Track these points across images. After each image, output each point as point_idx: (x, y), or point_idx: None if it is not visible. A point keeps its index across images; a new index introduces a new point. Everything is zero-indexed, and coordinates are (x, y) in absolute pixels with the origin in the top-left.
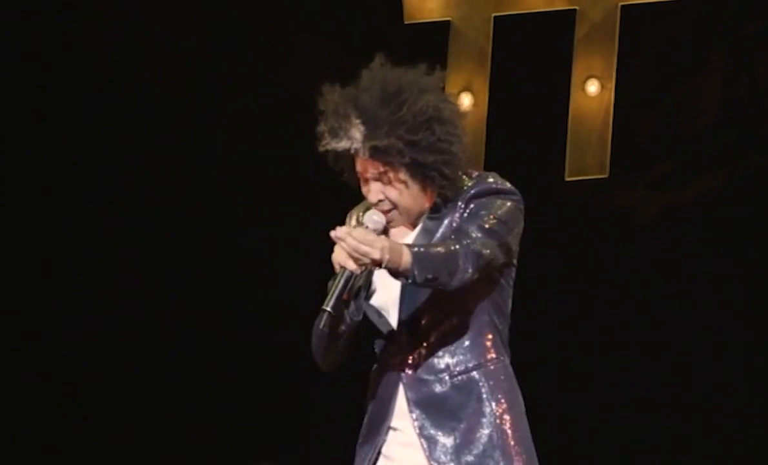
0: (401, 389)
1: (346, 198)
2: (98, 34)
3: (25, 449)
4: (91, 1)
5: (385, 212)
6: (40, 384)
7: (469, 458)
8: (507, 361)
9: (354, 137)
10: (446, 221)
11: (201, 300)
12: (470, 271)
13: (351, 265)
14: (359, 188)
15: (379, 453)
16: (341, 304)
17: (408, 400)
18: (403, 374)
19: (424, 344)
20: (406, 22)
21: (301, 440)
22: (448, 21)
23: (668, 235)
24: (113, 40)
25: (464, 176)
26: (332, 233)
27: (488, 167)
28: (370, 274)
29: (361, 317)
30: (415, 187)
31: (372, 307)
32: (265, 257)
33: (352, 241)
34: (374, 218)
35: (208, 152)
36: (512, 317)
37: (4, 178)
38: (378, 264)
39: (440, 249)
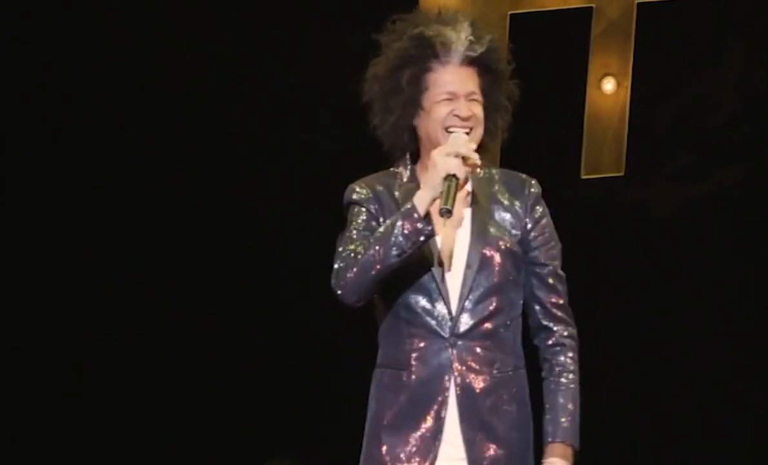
0: (452, 373)
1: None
2: (112, 28)
3: (28, 448)
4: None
5: (467, 133)
6: (43, 383)
7: (501, 456)
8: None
9: (465, 30)
10: (509, 207)
11: (209, 296)
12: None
13: (461, 173)
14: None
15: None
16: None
17: (456, 386)
18: (455, 354)
19: (479, 330)
20: (417, 9)
21: (314, 437)
22: None
23: (686, 230)
24: (127, 32)
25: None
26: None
27: (504, 165)
28: None
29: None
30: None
31: (425, 259)
32: (276, 253)
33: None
34: (463, 138)
35: (221, 144)
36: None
37: (7, 176)
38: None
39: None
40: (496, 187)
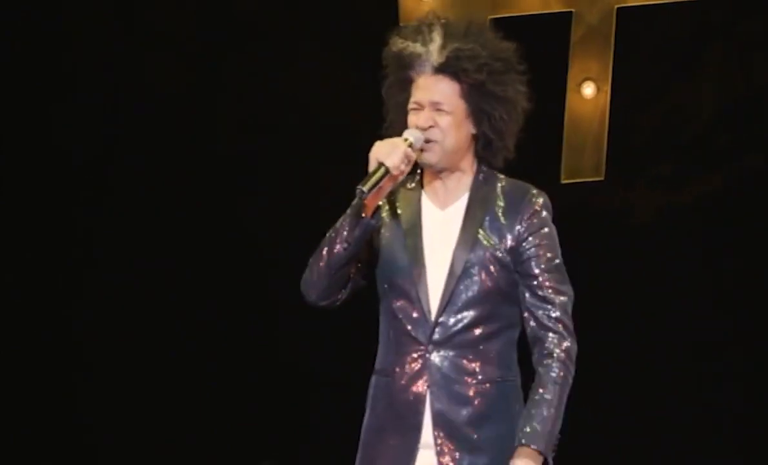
0: (427, 381)
1: (346, 202)
2: (100, 34)
3: (28, 447)
4: (91, 4)
5: (428, 142)
6: (42, 383)
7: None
8: (518, 381)
9: (434, 41)
10: (503, 217)
11: (204, 300)
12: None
13: (389, 162)
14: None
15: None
16: (362, 206)
17: (431, 395)
18: (431, 362)
19: (458, 339)
20: (401, 24)
21: (304, 440)
22: None
23: (665, 236)
24: (114, 40)
25: (497, 173)
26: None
27: None
28: (387, 193)
29: (378, 226)
30: (464, 130)
31: (405, 261)
32: (264, 257)
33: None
34: (416, 134)
35: (207, 151)
36: None
37: (5, 176)
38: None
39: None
40: (495, 196)
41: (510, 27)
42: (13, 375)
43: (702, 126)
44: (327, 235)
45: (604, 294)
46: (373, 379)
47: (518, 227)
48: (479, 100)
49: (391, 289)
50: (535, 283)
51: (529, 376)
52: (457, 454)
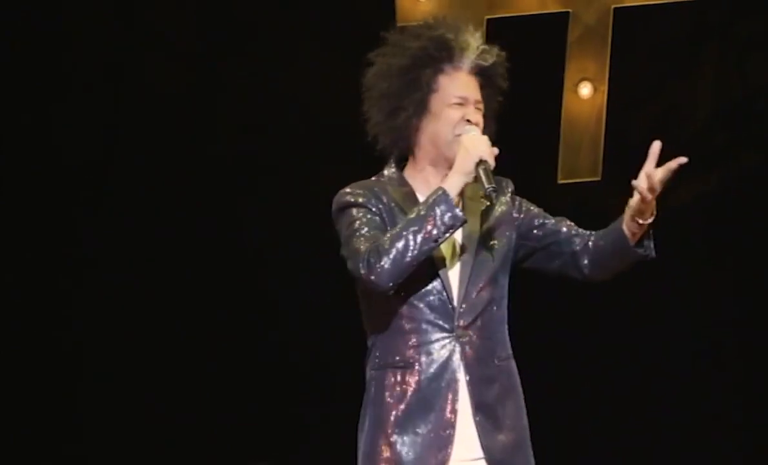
0: (460, 366)
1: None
2: (99, 35)
3: (22, 448)
4: (92, 3)
5: None
6: (40, 382)
7: (509, 446)
8: None
9: (479, 40)
10: (504, 208)
11: (201, 301)
12: None
13: (491, 159)
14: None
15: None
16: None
17: (467, 379)
18: (458, 348)
19: (479, 321)
20: (399, 25)
21: (298, 441)
22: None
23: (661, 236)
24: (114, 40)
25: None
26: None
27: None
28: None
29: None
30: None
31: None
32: (263, 258)
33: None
34: (474, 129)
35: (207, 151)
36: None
37: (4, 176)
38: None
39: None
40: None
41: (507, 27)
42: (12, 375)
43: (699, 126)
44: (405, 225)
45: (600, 294)
46: (381, 373)
47: (513, 210)
48: (491, 107)
49: (421, 278)
50: (549, 223)
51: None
52: (494, 433)
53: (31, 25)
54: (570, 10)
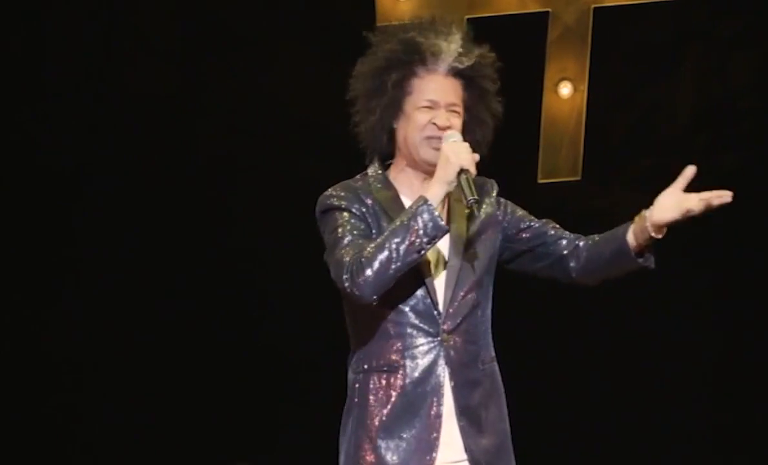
0: (445, 371)
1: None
2: (80, 36)
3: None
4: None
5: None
6: (23, 384)
7: (491, 449)
8: None
9: (457, 42)
10: (489, 210)
11: (178, 302)
12: None
13: (473, 167)
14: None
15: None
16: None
17: (451, 383)
18: (443, 352)
19: (463, 325)
20: (378, 25)
21: (277, 441)
22: None
23: None
24: (96, 43)
25: None
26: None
27: None
28: None
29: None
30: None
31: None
32: (247, 258)
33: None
34: (456, 135)
35: (191, 152)
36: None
37: None
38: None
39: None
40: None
41: (487, 27)
42: (8, 375)
43: (679, 126)
44: (388, 236)
45: (582, 295)
46: (365, 377)
47: (497, 212)
48: (480, 110)
49: (406, 283)
50: (535, 225)
51: (506, 363)
52: (477, 437)
53: (12, 25)
54: (550, 9)
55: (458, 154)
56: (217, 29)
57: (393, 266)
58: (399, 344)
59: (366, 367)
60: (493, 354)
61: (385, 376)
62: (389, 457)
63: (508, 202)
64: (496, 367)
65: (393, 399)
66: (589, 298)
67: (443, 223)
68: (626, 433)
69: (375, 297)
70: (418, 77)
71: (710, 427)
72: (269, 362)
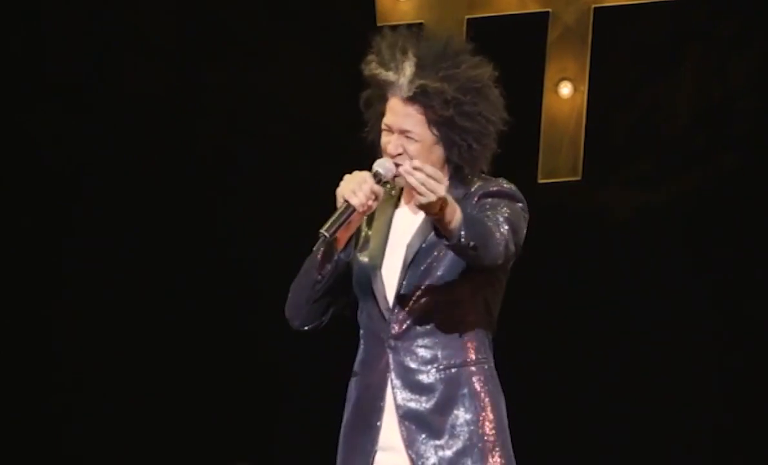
0: (389, 375)
1: (325, 203)
2: (80, 36)
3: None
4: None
5: (398, 167)
6: (23, 384)
7: (448, 454)
8: (491, 363)
9: (404, 71)
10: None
11: (174, 303)
12: (501, 258)
13: (355, 200)
14: (371, 148)
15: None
16: (333, 241)
17: (393, 388)
18: (391, 356)
19: (417, 329)
20: (378, 25)
21: (274, 441)
22: (421, 23)
23: (643, 236)
24: (96, 43)
25: (474, 178)
26: (409, 163)
27: None
28: (358, 225)
29: (349, 259)
30: (435, 154)
31: (364, 263)
32: (243, 260)
33: (429, 169)
34: (386, 165)
35: (188, 152)
36: None
37: None
38: (438, 204)
39: (486, 222)
40: (469, 193)
41: (487, 27)
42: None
43: (679, 126)
44: (306, 262)
45: (581, 294)
46: (350, 382)
47: (474, 201)
48: (448, 131)
49: (359, 291)
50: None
51: (505, 360)
52: (427, 441)
53: (12, 25)
54: (550, 9)
55: (344, 187)
56: (217, 29)
57: (302, 294)
58: (362, 349)
59: (352, 371)
60: (469, 357)
61: (353, 380)
62: (340, 461)
63: (489, 200)
64: (472, 372)
65: (351, 405)
66: (590, 298)
67: (335, 251)
68: (626, 433)
69: (299, 323)
70: (386, 99)
71: (710, 427)
72: (269, 362)
